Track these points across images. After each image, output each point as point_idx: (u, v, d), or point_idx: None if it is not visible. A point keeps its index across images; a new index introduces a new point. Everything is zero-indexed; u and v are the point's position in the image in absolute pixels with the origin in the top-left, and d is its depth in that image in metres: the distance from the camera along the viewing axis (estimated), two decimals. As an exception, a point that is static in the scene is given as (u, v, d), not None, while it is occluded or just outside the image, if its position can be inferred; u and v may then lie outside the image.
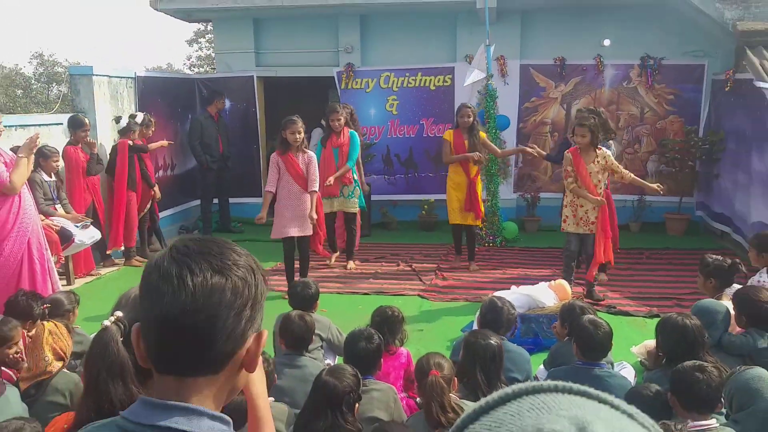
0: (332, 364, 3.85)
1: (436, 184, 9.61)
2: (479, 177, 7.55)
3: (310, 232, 6.55)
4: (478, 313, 4.48)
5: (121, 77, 8.67)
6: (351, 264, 7.72)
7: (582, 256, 6.51)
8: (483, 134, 7.41)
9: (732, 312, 4.05)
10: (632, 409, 0.52)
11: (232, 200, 10.11)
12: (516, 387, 0.55)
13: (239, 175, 10.25)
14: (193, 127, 9.62)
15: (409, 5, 9.30)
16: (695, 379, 2.94)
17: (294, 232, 6.48)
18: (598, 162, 6.10)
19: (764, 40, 8.10)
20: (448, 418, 2.87)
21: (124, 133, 7.79)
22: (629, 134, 9.40)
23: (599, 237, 6.16)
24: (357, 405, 2.83)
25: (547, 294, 5.61)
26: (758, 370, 3.22)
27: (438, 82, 9.72)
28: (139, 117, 8.09)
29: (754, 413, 2.97)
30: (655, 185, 6.42)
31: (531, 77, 9.56)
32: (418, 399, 3.79)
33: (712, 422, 2.87)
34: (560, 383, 0.54)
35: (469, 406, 2.99)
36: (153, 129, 8.35)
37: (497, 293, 5.07)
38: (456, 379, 3.15)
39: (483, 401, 0.55)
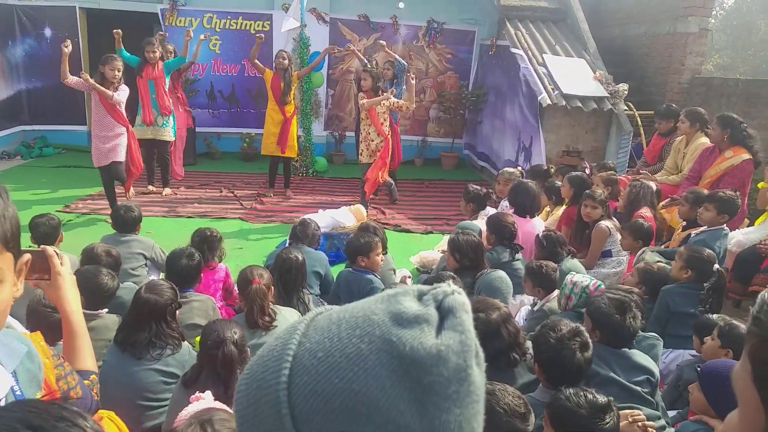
0: (155, 279, 3.64)
1: (257, 120, 9.33)
2: (295, 117, 7.43)
3: (121, 158, 6.03)
4: (291, 231, 4.50)
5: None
6: (167, 190, 7.25)
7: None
8: (295, 74, 7.26)
9: (484, 231, 4.44)
10: None
11: (54, 127, 9.27)
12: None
13: (61, 104, 9.18)
14: None
15: (231, -47, 8.61)
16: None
17: (107, 160, 5.99)
18: (383, 104, 6.29)
19: (520, 15, 8.74)
20: (264, 321, 2.89)
21: None
22: (417, 86, 9.72)
23: (377, 162, 6.40)
24: (177, 313, 2.73)
25: (347, 216, 5.77)
26: (499, 273, 3.61)
27: (258, 26, 9.24)
28: None
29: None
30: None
31: (339, 30, 9.45)
32: (236, 306, 3.78)
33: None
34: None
35: (280, 309, 3.02)
36: None
37: (308, 215, 5.11)
38: (273, 287, 3.17)
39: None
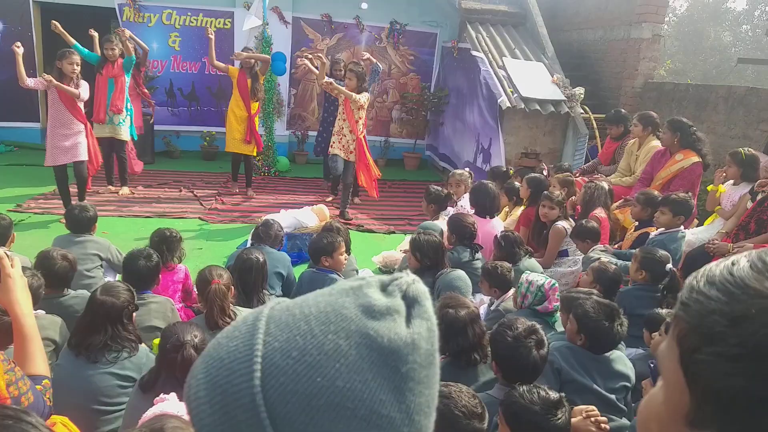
0: (111, 281, 3.55)
1: (217, 118, 9.22)
2: (258, 115, 7.38)
3: (83, 157, 5.87)
4: (252, 231, 4.45)
5: None
6: (125, 189, 7.07)
7: (340, 184, 6.76)
8: (258, 71, 7.17)
9: (445, 231, 4.48)
10: None
11: (5, 124, 8.94)
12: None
13: (12, 100, 8.84)
14: None
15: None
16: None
17: (66, 159, 5.79)
18: (356, 102, 6.31)
19: (481, 18, 8.86)
20: (224, 322, 2.85)
21: None
22: (379, 86, 9.76)
23: (358, 165, 6.47)
24: (134, 315, 2.68)
25: (310, 216, 5.75)
26: (459, 272, 3.67)
27: (219, 24, 9.12)
28: None
29: (455, 304, 3.40)
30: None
31: (301, 29, 9.40)
32: (195, 307, 3.72)
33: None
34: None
35: (241, 311, 2.99)
36: None
37: (270, 215, 5.08)
38: (233, 287, 3.13)
39: None
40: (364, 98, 6.35)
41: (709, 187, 4.99)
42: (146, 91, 7.72)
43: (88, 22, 9.21)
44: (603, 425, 2.15)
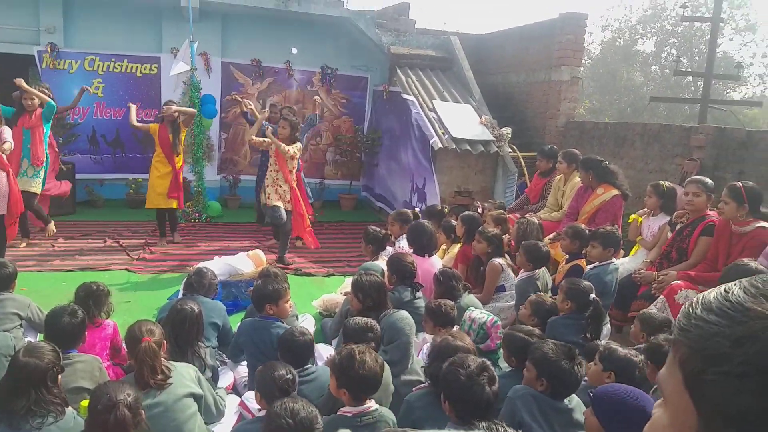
0: (33, 341, 3.33)
1: (143, 165, 8.95)
2: (183, 167, 7.20)
3: (2, 211, 5.58)
4: (184, 281, 4.31)
5: None
6: (51, 226, 6.64)
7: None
8: (181, 123, 6.99)
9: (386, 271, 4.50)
10: None
11: None
12: None
13: None
14: None
15: (114, -6, 8.36)
16: (361, 327, 3.24)
17: None
18: (286, 152, 6.31)
19: (410, 62, 9.18)
20: (156, 380, 2.73)
21: None
22: (312, 129, 9.82)
23: (296, 218, 6.43)
24: (60, 377, 2.52)
25: (245, 262, 5.64)
26: (402, 313, 3.67)
27: (144, 69, 9.00)
28: None
29: (399, 345, 3.39)
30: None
31: (231, 74, 9.41)
32: (125, 365, 3.53)
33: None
34: None
35: (175, 365, 2.87)
36: None
37: (203, 263, 4.95)
38: (165, 342, 3.01)
39: None
40: (294, 149, 6.32)
41: (630, 218, 5.29)
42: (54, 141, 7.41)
43: (4, 69, 8.88)
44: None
